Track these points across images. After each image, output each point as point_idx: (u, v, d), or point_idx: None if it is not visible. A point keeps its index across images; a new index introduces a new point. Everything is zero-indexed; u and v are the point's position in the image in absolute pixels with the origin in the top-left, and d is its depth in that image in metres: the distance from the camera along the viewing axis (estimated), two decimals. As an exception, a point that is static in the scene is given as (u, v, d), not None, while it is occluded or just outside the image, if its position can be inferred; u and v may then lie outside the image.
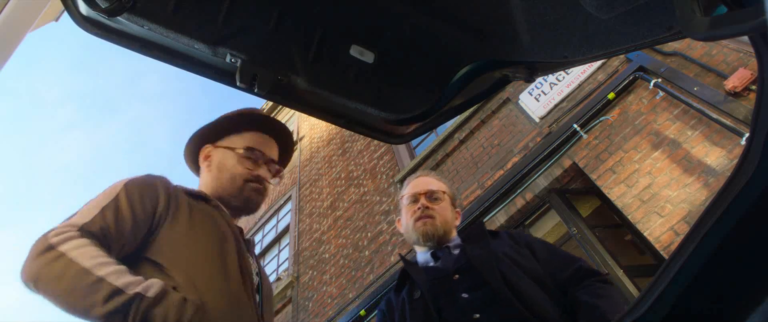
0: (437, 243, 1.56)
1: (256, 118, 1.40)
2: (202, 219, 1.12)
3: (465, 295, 1.33)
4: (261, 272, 1.23)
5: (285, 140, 1.46)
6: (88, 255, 0.91)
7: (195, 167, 1.41)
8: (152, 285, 0.90)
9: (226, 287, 1.01)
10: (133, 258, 1.02)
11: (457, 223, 1.68)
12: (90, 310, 0.87)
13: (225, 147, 1.33)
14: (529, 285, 1.31)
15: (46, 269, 0.90)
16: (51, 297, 0.89)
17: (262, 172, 1.33)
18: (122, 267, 0.93)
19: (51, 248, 0.92)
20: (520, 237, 1.56)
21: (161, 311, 0.88)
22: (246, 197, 1.28)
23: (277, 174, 1.41)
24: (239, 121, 1.39)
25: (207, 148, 1.36)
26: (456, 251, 1.53)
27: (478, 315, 1.27)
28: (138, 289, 0.88)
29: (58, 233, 0.94)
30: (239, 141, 1.35)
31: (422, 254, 1.58)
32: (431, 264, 1.52)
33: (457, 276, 1.40)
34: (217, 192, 1.28)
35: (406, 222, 1.64)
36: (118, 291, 0.87)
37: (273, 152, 1.41)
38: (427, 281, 1.42)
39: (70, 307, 0.88)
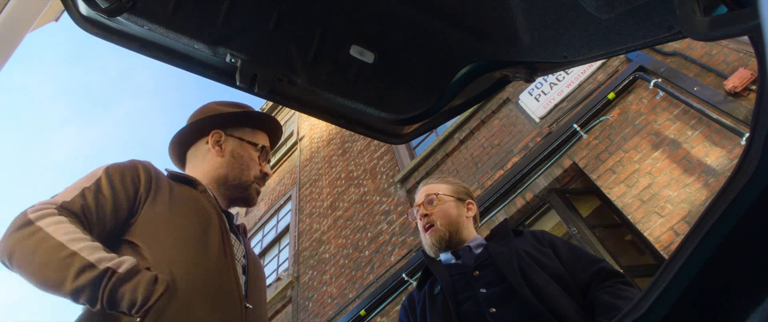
0: (449, 244, 1.58)
1: (273, 123, 1.48)
2: (184, 201, 1.13)
3: (483, 290, 1.35)
4: (249, 255, 1.24)
5: (274, 145, 1.54)
6: (63, 230, 0.91)
7: (186, 147, 1.39)
8: (124, 261, 0.90)
9: (204, 265, 1.01)
10: (114, 241, 1.03)
11: (471, 214, 1.69)
12: (62, 284, 0.87)
13: (246, 140, 1.37)
14: (548, 283, 1.32)
15: (22, 244, 0.90)
16: (25, 272, 0.90)
17: (267, 169, 1.39)
18: (97, 243, 0.93)
19: (29, 223, 0.92)
20: (543, 236, 1.58)
21: (130, 288, 0.87)
22: (249, 194, 1.34)
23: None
24: (257, 119, 1.44)
25: (219, 133, 1.35)
26: (478, 250, 1.55)
27: (494, 309, 1.28)
28: (109, 264, 0.88)
29: (37, 210, 0.95)
30: (255, 138, 1.41)
31: (444, 254, 1.62)
32: (453, 262, 1.55)
33: (476, 272, 1.43)
34: (222, 178, 1.30)
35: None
36: (89, 265, 0.87)
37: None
38: (447, 277, 1.45)
39: (43, 281, 0.88)
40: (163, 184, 1.13)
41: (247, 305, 1.06)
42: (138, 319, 0.88)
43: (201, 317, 0.94)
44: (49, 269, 0.88)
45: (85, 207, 1.00)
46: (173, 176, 1.23)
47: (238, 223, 1.35)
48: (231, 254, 1.10)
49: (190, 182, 1.22)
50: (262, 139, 1.42)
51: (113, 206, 1.03)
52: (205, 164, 1.32)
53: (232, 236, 1.20)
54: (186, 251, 1.01)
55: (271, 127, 1.47)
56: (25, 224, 0.93)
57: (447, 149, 5.63)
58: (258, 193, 1.37)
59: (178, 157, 1.42)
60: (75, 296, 0.88)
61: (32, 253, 0.89)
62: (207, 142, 1.34)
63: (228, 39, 1.06)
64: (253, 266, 1.21)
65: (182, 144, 1.39)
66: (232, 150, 1.34)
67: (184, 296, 0.94)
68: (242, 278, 1.12)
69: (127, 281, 0.88)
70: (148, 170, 1.14)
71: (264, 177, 1.38)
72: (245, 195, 1.33)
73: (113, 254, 0.92)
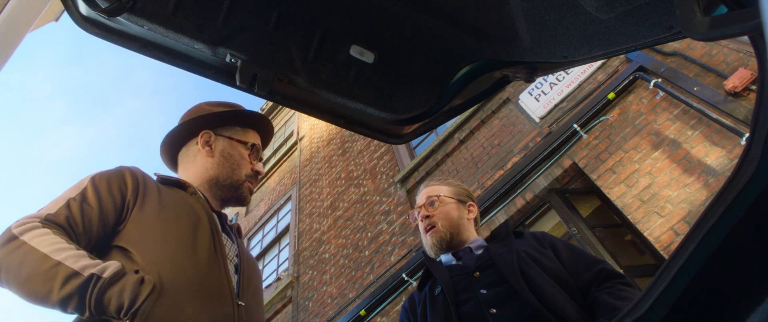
0: (449, 245, 1.59)
1: (263, 121, 1.47)
2: (173, 203, 1.13)
3: (484, 291, 1.36)
4: (243, 254, 1.24)
5: (266, 143, 1.53)
6: (47, 242, 0.92)
7: (176, 149, 1.39)
8: (108, 266, 0.92)
9: (193, 265, 1.02)
10: (104, 247, 1.04)
11: (472, 216, 1.70)
12: (49, 295, 0.88)
13: (236, 139, 1.36)
14: (549, 284, 1.32)
15: (7, 259, 0.92)
16: (13, 286, 0.91)
17: (259, 167, 1.39)
18: (81, 251, 0.94)
19: (13, 238, 0.94)
20: (544, 238, 1.58)
21: (116, 291, 0.89)
22: (241, 193, 1.34)
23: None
24: (247, 118, 1.43)
25: (208, 133, 1.35)
26: (479, 251, 1.56)
27: (495, 310, 1.29)
28: (94, 270, 0.90)
29: (21, 224, 0.97)
30: (246, 136, 1.39)
31: (445, 255, 1.62)
32: (454, 263, 1.56)
33: (477, 273, 1.43)
34: (213, 179, 1.30)
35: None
36: (74, 274, 0.88)
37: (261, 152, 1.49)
38: (448, 278, 1.45)
39: (31, 294, 0.90)
40: (151, 188, 1.14)
41: (240, 302, 1.06)
42: (127, 321, 0.88)
43: (190, 315, 0.94)
44: (35, 281, 0.89)
45: (70, 218, 1.01)
46: (162, 180, 1.24)
47: (234, 223, 1.35)
48: (222, 253, 1.10)
49: (179, 185, 1.23)
50: (253, 138, 1.41)
51: (100, 214, 1.04)
52: (195, 165, 1.33)
53: (224, 236, 1.20)
54: (174, 252, 1.02)
55: (261, 125, 1.46)
56: (9, 239, 0.94)
57: (447, 149, 5.63)
58: (251, 191, 1.36)
59: (169, 159, 1.41)
60: (63, 305, 0.89)
61: (18, 267, 0.90)
62: (197, 143, 1.34)
63: (228, 39, 1.06)
64: (247, 264, 1.22)
65: (173, 146, 1.39)
66: (222, 150, 1.34)
67: (173, 296, 0.95)
68: (235, 277, 1.12)
69: (113, 285, 0.90)
70: (135, 175, 1.15)
71: (256, 175, 1.37)
72: (238, 194, 1.33)
73: (98, 260, 0.93)
